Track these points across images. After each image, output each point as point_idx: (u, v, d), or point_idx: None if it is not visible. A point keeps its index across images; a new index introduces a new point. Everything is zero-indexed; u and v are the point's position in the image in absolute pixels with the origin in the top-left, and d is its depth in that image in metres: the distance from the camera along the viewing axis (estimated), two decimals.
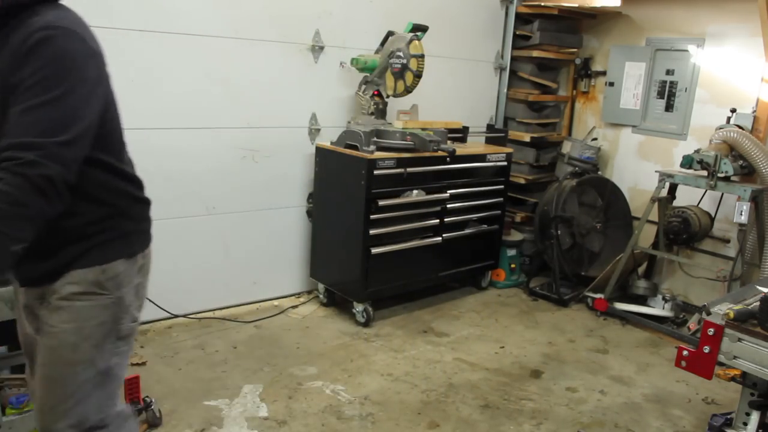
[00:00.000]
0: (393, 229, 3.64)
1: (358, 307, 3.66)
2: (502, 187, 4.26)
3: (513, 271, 4.57)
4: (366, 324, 3.65)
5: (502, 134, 4.39)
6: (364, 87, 3.78)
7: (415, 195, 3.69)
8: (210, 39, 3.34)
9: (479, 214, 4.14)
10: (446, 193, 3.84)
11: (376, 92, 3.77)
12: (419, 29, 3.65)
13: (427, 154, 3.61)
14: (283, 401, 2.86)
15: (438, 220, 3.86)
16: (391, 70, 3.64)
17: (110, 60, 3.21)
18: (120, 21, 3.04)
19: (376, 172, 3.42)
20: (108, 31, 3.02)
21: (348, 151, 3.52)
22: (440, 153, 3.65)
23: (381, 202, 3.50)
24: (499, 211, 4.30)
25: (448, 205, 3.89)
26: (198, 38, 3.30)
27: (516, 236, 4.65)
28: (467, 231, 4.08)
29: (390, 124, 3.77)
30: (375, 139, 3.52)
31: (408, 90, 3.63)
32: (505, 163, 4.23)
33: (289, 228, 3.95)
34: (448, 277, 4.15)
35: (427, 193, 3.74)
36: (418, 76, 3.58)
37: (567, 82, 4.99)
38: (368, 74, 3.74)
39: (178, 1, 3.21)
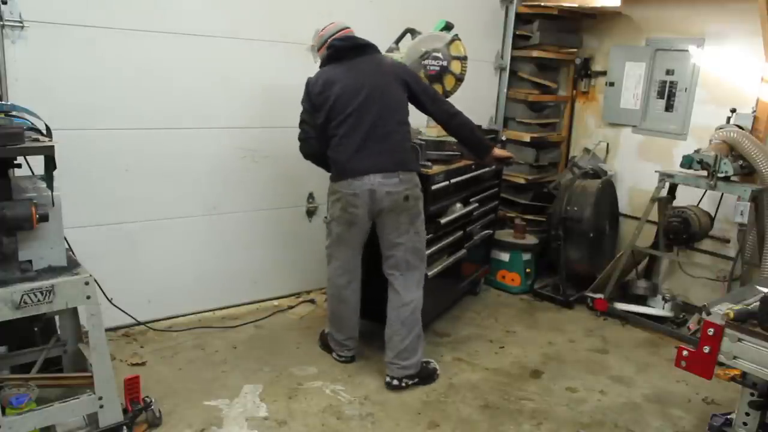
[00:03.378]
0: (436, 248, 3.35)
1: None
2: (496, 189, 4.22)
3: (528, 276, 4.48)
4: None
5: (493, 135, 4.30)
6: None
7: (459, 208, 3.52)
8: (210, 39, 3.34)
9: (482, 220, 4.03)
10: (473, 202, 3.70)
11: None
12: (449, 27, 3.40)
13: (462, 163, 3.47)
14: (283, 401, 2.86)
15: (462, 232, 3.68)
16: (425, 73, 3.30)
17: (110, 60, 3.24)
18: (120, 21, 3.04)
19: (433, 187, 3.18)
20: (108, 31, 3.03)
21: None
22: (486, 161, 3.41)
23: (442, 220, 3.30)
24: (494, 215, 4.25)
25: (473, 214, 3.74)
26: (198, 38, 3.30)
27: (530, 240, 4.54)
28: (476, 238, 3.94)
29: (419, 131, 3.47)
30: (428, 152, 3.23)
31: (447, 95, 3.31)
32: (500, 167, 4.16)
33: (289, 228, 3.95)
34: (462, 288, 4.02)
35: (463, 204, 3.59)
36: (460, 79, 3.32)
37: (567, 82, 4.99)
38: None
39: (178, 1, 3.22)
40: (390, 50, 3.50)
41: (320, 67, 3.03)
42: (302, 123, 3.05)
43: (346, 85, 2.86)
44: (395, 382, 3.00)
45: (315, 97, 2.92)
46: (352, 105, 2.85)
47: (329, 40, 2.99)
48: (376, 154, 2.85)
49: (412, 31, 3.49)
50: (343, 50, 2.93)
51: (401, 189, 2.87)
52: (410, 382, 3.02)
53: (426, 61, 3.31)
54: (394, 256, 2.99)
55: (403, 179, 2.88)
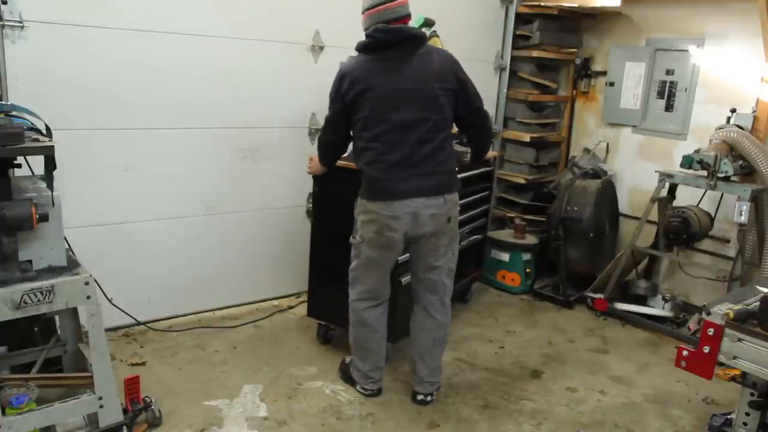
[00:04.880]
0: None
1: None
2: (488, 193, 4.11)
3: (528, 276, 4.47)
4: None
5: None
6: None
7: None
8: (210, 39, 3.34)
9: (470, 225, 3.89)
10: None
11: None
12: (430, 24, 3.25)
13: None
14: (283, 401, 2.86)
15: None
16: None
17: (110, 60, 3.23)
18: (120, 21, 3.04)
19: None
20: (108, 31, 3.03)
21: None
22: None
23: None
24: (485, 219, 4.18)
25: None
26: (198, 38, 3.30)
27: (530, 240, 4.53)
28: (464, 243, 3.72)
29: None
30: None
31: None
32: (491, 168, 4.10)
33: (289, 228, 3.95)
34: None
35: None
36: None
37: (567, 82, 4.99)
38: None
39: (178, 2, 3.21)
40: None
41: (356, 50, 2.63)
42: (328, 124, 2.76)
43: (386, 91, 2.51)
44: (429, 398, 2.91)
45: (345, 95, 2.57)
46: (394, 117, 2.52)
47: (370, 13, 2.55)
48: (421, 176, 2.56)
49: None
50: (386, 43, 2.53)
51: (445, 211, 2.64)
52: (436, 393, 2.96)
53: None
54: (430, 279, 2.78)
55: (448, 200, 2.65)
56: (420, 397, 2.91)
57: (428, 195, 2.57)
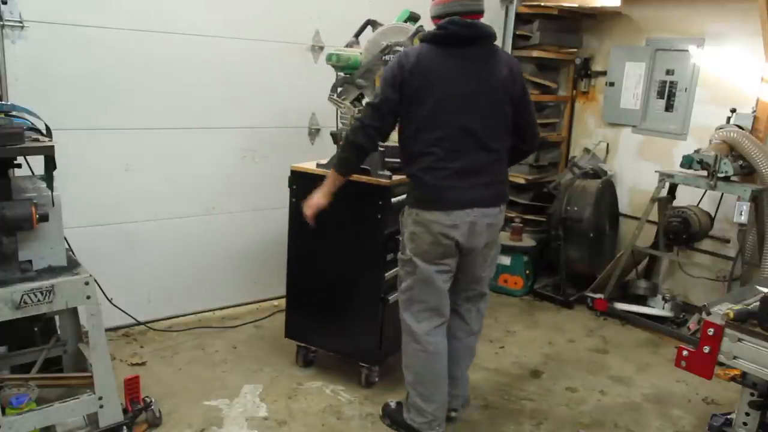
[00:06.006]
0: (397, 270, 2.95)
1: (370, 370, 3.02)
2: None
3: (528, 278, 4.47)
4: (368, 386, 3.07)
5: None
6: (340, 89, 2.97)
7: None
8: (210, 39, 3.35)
9: None
10: None
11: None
12: (415, 18, 3.01)
13: None
14: (283, 401, 2.86)
15: None
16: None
17: (110, 60, 3.23)
18: (120, 21, 3.04)
19: (394, 200, 2.78)
20: (108, 31, 3.03)
21: (353, 177, 2.75)
22: None
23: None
24: None
25: None
26: (198, 38, 3.30)
27: (529, 242, 4.53)
28: None
29: None
30: (386, 159, 2.82)
31: None
32: None
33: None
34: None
35: None
36: None
37: (567, 82, 4.99)
38: (348, 74, 2.96)
39: (178, 2, 3.22)
40: (349, 44, 3.14)
41: (421, 40, 2.42)
42: (375, 110, 2.38)
43: (450, 92, 2.30)
44: (452, 413, 2.73)
45: (404, 85, 2.29)
46: (456, 121, 2.31)
47: (440, 1, 2.34)
48: (482, 186, 2.39)
49: (374, 23, 3.18)
50: (458, 38, 2.31)
51: (499, 220, 2.52)
52: (465, 406, 2.83)
53: (387, 56, 2.83)
54: (473, 289, 2.63)
55: (502, 210, 2.53)
56: (453, 414, 2.73)
57: (488, 205, 2.42)
